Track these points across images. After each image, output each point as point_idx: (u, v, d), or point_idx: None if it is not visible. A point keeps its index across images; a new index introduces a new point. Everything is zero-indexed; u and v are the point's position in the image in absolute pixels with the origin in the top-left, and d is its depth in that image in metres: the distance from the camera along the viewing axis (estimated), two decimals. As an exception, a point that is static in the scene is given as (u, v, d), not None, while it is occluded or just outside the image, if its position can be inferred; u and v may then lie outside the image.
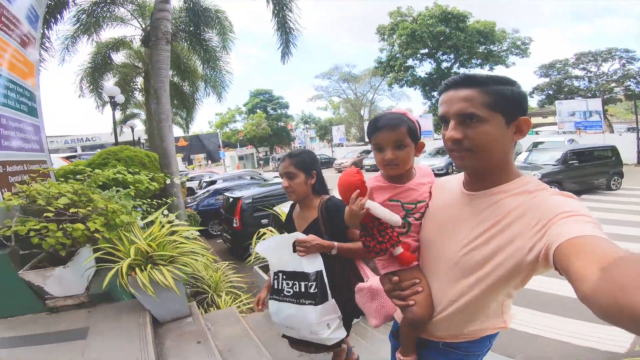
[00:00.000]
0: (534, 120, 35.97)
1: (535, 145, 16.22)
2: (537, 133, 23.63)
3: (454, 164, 1.18)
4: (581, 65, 30.65)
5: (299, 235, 1.65)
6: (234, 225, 8.00)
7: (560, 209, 0.81)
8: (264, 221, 7.71)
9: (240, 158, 40.07)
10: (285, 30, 8.76)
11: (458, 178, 1.13)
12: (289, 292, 1.66)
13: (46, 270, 2.54)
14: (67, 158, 9.75)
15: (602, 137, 18.66)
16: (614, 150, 10.31)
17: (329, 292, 1.62)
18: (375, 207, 1.10)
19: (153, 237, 2.71)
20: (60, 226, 2.32)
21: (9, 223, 2.44)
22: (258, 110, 43.48)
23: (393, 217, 1.10)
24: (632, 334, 0.54)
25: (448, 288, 1.04)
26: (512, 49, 31.07)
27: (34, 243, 2.27)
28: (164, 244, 2.72)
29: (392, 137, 1.14)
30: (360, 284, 1.41)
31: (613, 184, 10.25)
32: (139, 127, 23.82)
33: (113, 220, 2.52)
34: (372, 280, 1.45)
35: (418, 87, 34.00)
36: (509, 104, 0.92)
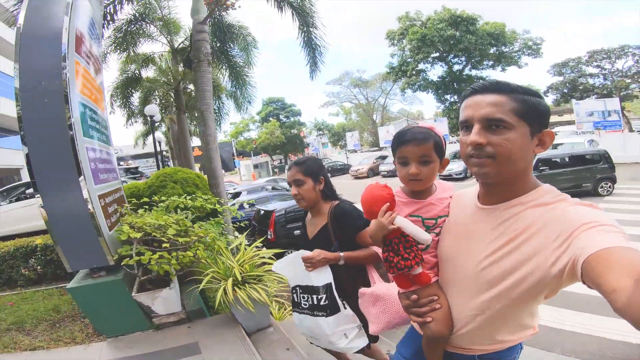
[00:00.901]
0: (551, 118, 35.69)
1: (555, 147, 16.15)
2: (555, 134, 23.46)
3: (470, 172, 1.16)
4: (595, 63, 30.43)
5: (304, 253, 1.70)
6: (269, 237, 8.34)
7: (582, 220, 0.80)
8: (297, 232, 8.07)
9: (255, 166, 40.58)
10: (311, 46, 9.09)
11: (473, 191, 1.12)
12: (305, 304, 1.73)
13: (155, 292, 2.90)
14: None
15: (621, 136, 18.58)
16: (603, 155, 10.21)
17: (339, 303, 1.65)
18: (406, 224, 1.08)
19: (242, 260, 3.04)
20: (173, 254, 2.67)
21: (122, 252, 2.80)
22: (271, 119, 44.07)
23: (424, 235, 1.08)
24: None
25: (467, 302, 1.04)
26: (524, 50, 31.02)
27: (153, 270, 2.62)
28: (252, 265, 3.05)
29: (419, 152, 1.12)
30: (363, 289, 1.41)
31: (601, 190, 10.15)
32: (158, 135, 24.59)
33: (211, 246, 2.86)
34: (377, 286, 1.45)
35: (431, 90, 34.09)
36: (536, 115, 0.91)
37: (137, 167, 19.25)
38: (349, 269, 1.66)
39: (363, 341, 1.69)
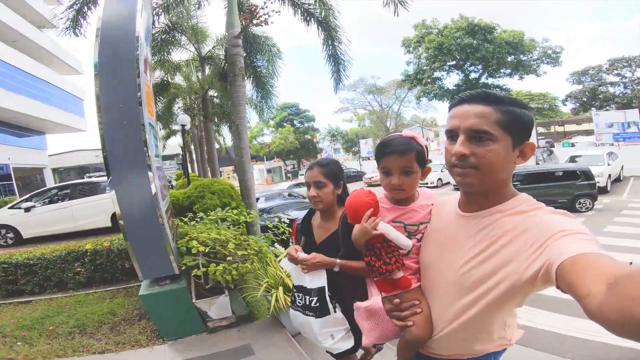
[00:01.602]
0: (568, 127, 35.31)
1: (573, 159, 15.98)
2: (573, 145, 23.22)
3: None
4: (615, 71, 30.12)
5: (301, 255, 1.71)
6: (290, 244, 8.59)
7: (557, 228, 0.83)
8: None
9: (269, 171, 41.05)
10: (336, 60, 9.33)
11: (454, 199, 1.14)
12: (299, 303, 1.79)
13: (212, 299, 3.17)
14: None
15: (641, 148, 18.33)
16: (584, 172, 10.35)
17: (330, 306, 1.70)
18: (389, 230, 1.12)
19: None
20: (233, 265, 2.94)
21: (187, 262, 3.09)
22: (285, 124, 44.60)
23: (406, 241, 1.12)
24: None
25: (447, 307, 1.06)
26: (543, 58, 30.87)
27: (216, 279, 2.89)
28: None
29: (401, 162, 1.16)
30: (357, 303, 1.43)
31: (579, 206, 10.22)
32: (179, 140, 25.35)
33: (263, 258, 3.12)
34: (373, 299, 1.46)
35: (447, 99, 34.13)
36: (520, 127, 0.94)
37: (159, 171, 19.56)
38: (345, 276, 1.66)
39: (349, 344, 1.74)
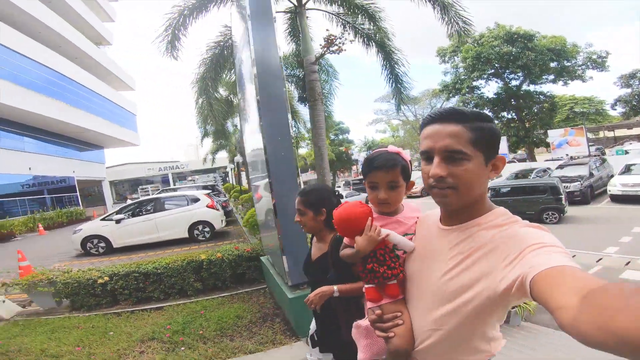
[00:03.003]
0: (618, 132, 33.83)
1: (629, 168, 15.41)
2: (626, 152, 22.28)
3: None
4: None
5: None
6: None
7: (531, 241, 0.84)
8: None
9: (305, 183, 41.55)
10: (397, 81, 9.77)
11: (437, 213, 1.16)
12: None
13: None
14: (208, 194, 11.48)
15: None
16: (550, 187, 10.93)
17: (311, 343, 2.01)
18: (393, 234, 1.17)
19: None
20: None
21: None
22: (321, 137, 45.32)
23: (410, 243, 1.18)
24: (619, 357, 0.54)
25: (427, 317, 1.07)
26: (589, 64, 29.95)
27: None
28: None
29: (387, 177, 1.22)
30: (359, 321, 1.45)
31: (547, 218, 10.83)
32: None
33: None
34: None
35: (487, 108, 33.69)
36: (489, 143, 0.97)
37: (214, 185, 20.64)
38: (342, 300, 1.73)
39: None
